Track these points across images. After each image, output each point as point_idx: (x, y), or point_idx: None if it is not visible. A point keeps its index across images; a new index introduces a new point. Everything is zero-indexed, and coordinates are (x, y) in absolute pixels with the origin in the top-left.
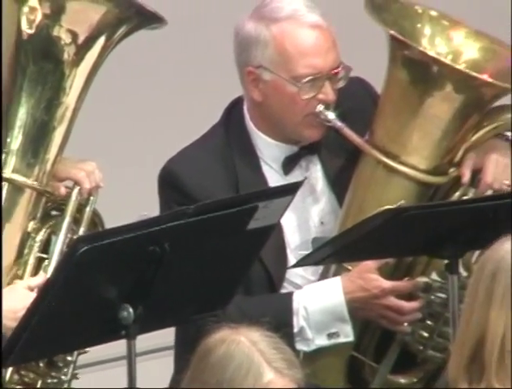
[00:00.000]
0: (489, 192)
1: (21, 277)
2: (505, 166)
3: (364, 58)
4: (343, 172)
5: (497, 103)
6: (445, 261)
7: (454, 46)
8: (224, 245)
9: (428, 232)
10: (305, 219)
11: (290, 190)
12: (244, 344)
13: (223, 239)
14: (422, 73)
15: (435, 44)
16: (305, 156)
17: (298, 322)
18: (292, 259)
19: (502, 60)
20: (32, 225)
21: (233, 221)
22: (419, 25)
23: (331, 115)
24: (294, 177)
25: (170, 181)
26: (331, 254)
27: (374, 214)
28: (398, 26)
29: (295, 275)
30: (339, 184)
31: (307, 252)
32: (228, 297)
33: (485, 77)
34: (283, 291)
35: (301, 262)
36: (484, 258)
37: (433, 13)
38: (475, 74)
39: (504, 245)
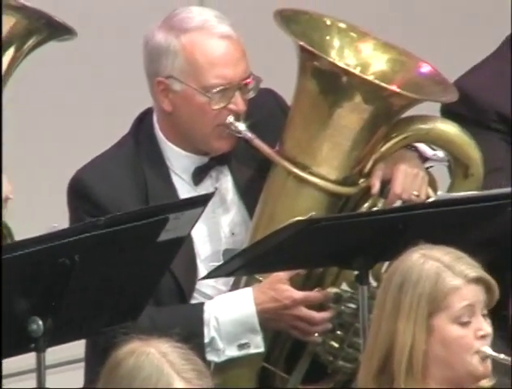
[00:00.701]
0: (398, 203)
1: None
2: (413, 177)
3: (273, 69)
4: (254, 182)
5: (406, 114)
6: (356, 272)
7: (363, 58)
8: (135, 257)
9: (338, 243)
10: (216, 229)
11: (201, 201)
12: (153, 356)
13: (134, 251)
14: (331, 84)
15: (344, 56)
16: (215, 166)
17: (209, 332)
18: (202, 270)
19: (410, 71)
20: None
21: (144, 233)
22: (328, 37)
23: (242, 126)
24: (204, 187)
25: (80, 192)
26: (242, 265)
27: (285, 225)
28: (308, 37)
29: (206, 285)
30: (249, 194)
31: (218, 263)
32: (138, 308)
33: (394, 88)
34: (194, 302)
35: (212, 274)
36: (392, 269)
37: (342, 25)
38: (383, 84)
39: (411, 257)
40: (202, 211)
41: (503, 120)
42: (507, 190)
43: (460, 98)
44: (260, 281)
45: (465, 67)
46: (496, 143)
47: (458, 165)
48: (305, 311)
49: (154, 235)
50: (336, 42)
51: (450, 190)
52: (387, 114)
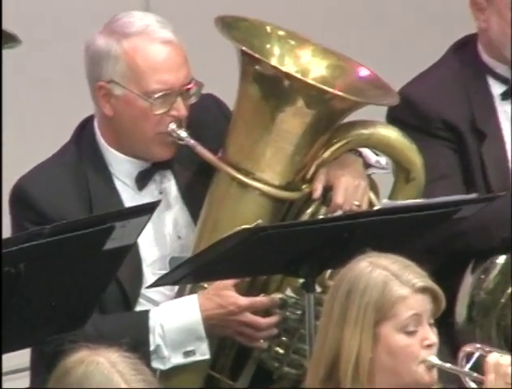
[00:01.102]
0: (340, 212)
1: None
2: (355, 187)
3: (215, 75)
4: (198, 187)
5: (347, 119)
6: (301, 279)
7: (303, 64)
8: (81, 266)
9: (285, 251)
10: (162, 234)
11: (147, 209)
12: (103, 365)
13: (80, 259)
14: (273, 88)
15: (284, 62)
16: (159, 171)
17: (154, 340)
18: (149, 275)
19: (350, 76)
20: None
21: (90, 241)
22: (268, 44)
23: (183, 133)
24: (148, 192)
25: (23, 200)
26: (189, 273)
27: (231, 233)
28: (248, 44)
29: (152, 290)
30: (193, 199)
31: (165, 270)
32: (85, 316)
33: (335, 91)
34: (140, 308)
35: (159, 282)
36: (339, 277)
37: (281, 32)
38: (326, 87)
39: (358, 265)
40: (149, 220)
41: (449, 128)
42: (452, 197)
43: (406, 106)
44: (205, 288)
45: (408, 74)
46: (441, 150)
47: (399, 170)
48: (250, 317)
49: (100, 243)
50: (276, 49)
51: (391, 194)
52: (329, 118)
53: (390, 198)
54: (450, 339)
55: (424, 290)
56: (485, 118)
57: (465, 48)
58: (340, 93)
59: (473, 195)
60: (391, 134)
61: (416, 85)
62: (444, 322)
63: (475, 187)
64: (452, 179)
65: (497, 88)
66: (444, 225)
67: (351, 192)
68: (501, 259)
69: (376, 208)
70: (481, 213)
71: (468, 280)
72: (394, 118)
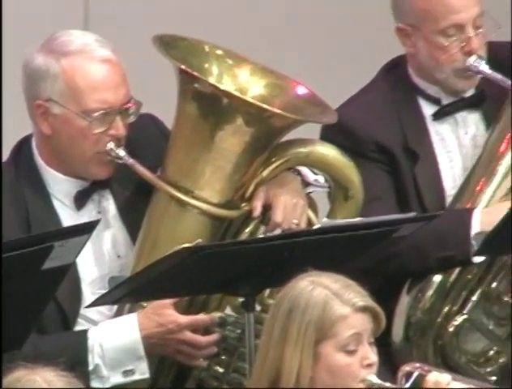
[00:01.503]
0: (278, 231)
1: None
2: (293, 206)
3: (154, 94)
4: (137, 205)
5: (286, 137)
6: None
7: (241, 83)
8: (19, 285)
9: (224, 270)
10: (101, 253)
11: (86, 229)
12: (39, 384)
13: (18, 279)
14: (212, 106)
15: (222, 81)
16: (97, 190)
17: (93, 359)
18: (88, 294)
19: (289, 94)
20: None
21: (29, 261)
22: (206, 63)
23: (122, 152)
24: (87, 211)
25: None
26: (128, 292)
27: (171, 253)
28: (187, 62)
29: (91, 310)
30: (132, 218)
31: (104, 290)
32: (23, 337)
33: (274, 109)
34: (79, 327)
35: (98, 302)
36: (280, 295)
37: (219, 51)
38: (264, 105)
39: (299, 284)
40: (88, 239)
41: (381, 150)
42: (392, 216)
43: (339, 129)
44: (144, 307)
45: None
46: (375, 172)
47: (338, 188)
48: (189, 335)
49: (38, 263)
50: (214, 68)
51: (330, 213)
52: (268, 137)
53: (328, 216)
54: (388, 359)
55: (364, 309)
56: (417, 139)
57: (395, 69)
58: (279, 111)
59: (412, 214)
60: (329, 152)
61: (349, 108)
62: (382, 342)
63: (410, 208)
64: (386, 201)
65: (428, 109)
66: (381, 245)
67: (289, 211)
68: (437, 279)
69: (315, 227)
70: (416, 233)
71: (404, 300)
72: (327, 141)
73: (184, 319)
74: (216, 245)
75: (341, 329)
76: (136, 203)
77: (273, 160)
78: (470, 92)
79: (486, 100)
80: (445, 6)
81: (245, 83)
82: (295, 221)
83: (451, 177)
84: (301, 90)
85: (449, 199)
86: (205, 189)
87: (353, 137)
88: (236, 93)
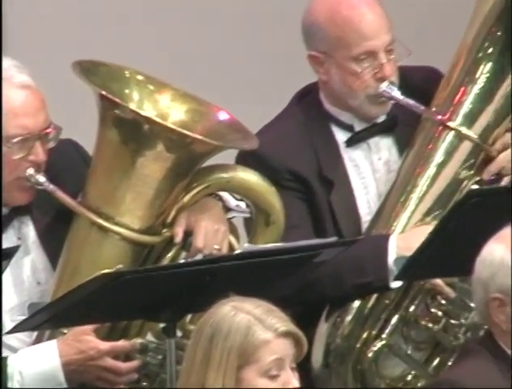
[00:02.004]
0: (200, 256)
1: None
2: (215, 232)
3: (74, 119)
4: (57, 231)
5: (207, 163)
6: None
7: (162, 108)
8: None
9: (145, 296)
10: (21, 280)
11: (5, 255)
12: None
13: None
14: (133, 132)
15: (143, 107)
16: (17, 216)
17: (13, 387)
18: (7, 321)
19: (210, 120)
20: None
21: None
22: (127, 89)
23: (42, 178)
24: (7, 237)
25: None
26: (48, 319)
27: (91, 278)
28: (107, 88)
29: (11, 337)
30: (52, 244)
31: (24, 317)
32: None
33: (195, 135)
34: None
35: (17, 328)
36: (202, 321)
37: (140, 77)
38: (185, 131)
39: (222, 309)
40: (7, 265)
41: (296, 178)
42: (313, 241)
43: (253, 158)
44: (64, 333)
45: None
46: (291, 201)
47: (259, 213)
48: (110, 362)
49: None
50: (135, 93)
51: (252, 238)
52: (189, 162)
53: (250, 241)
54: (309, 385)
55: (286, 335)
56: (331, 166)
57: (308, 97)
58: (200, 137)
59: (333, 239)
60: (251, 177)
61: (262, 137)
62: (303, 367)
63: (327, 236)
64: (303, 229)
65: (341, 136)
66: (301, 271)
67: (211, 236)
68: (355, 304)
69: (236, 252)
70: (334, 260)
71: (323, 327)
72: None
73: (104, 346)
74: (137, 271)
75: (263, 354)
76: (57, 229)
77: (194, 185)
78: (382, 118)
79: (398, 125)
80: (357, 33)
81: (167, 109)
82: (216, 247)
83: (366, 203)
84: (223, 116)
85: (364, 226)
86: (126, 215)
87: (267, 166)
88: (157, 119)
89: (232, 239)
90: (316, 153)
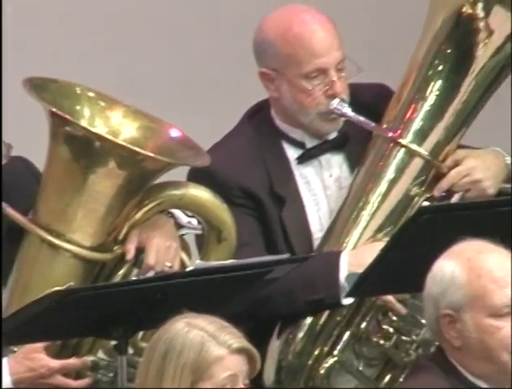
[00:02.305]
0: (152, 273)
1: None
2: (166, 249)
3: (25, 136)
4: (7, 249)
5: (159, 180)
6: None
7: (113, 125)
8: None
9: (97, 313)
10: None
11: None
12: None
13: None
14: (84, 149)
15: (94, 124)
16: None
17: None
18: None
19: (162, 137)
20: None
21: None
22: (78, 105)
23: None
24: None
25: None
26: None
27: (42, 296)
28: (58, 105)
29: None
30: (3, 262)
31: None
32: None
33: (146, 152)
34: None
35: None
36: (155, 338)
37: (91, 93)
38: (137, 148)
39: (175, 325)
40: None
41: (247, 195)
42: (265, 258)
43: (204, 175)
44: (15, 351)
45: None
46: (242, 218)
47: (211, 230)
48: (61, 379)
49: None
50: (86, 110)
51: (204, 255)
52: (141, 179)
53: (202, 258)
54: None
55: (240, 351)
56: (283, 183)
57: (258, 114)
58: (151, 154)
59: (285, 255)
60: (203, 194)
61: (213, 154)
62: (255, 384)
63: (278, 253)
64: (254, 246)
65: (292, 153)
66: (253, 288)
67: (162, 253)
68: (307, 321)
69: (188, 269)
70: (286, 277)
71: (275, 344)
72: None
73: (55, 363)
74: (88, 288)
75: (217, 370)
76: (7, 247)
77: (146, 202)
78: (333, 135)
79: (349, 142)
80: (308, 51)
81: (118, 126)
82: (168, 264)
83: (317, 220)
84: (175, 133)
85: (316, 242)
86: (77, 232)
87: (218, 183)
88: (109, 136)
89: (184, 256)
90: (267, 170)
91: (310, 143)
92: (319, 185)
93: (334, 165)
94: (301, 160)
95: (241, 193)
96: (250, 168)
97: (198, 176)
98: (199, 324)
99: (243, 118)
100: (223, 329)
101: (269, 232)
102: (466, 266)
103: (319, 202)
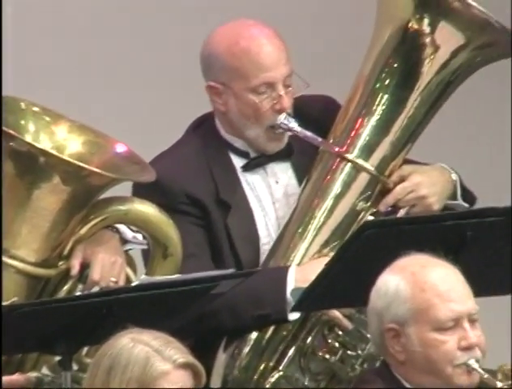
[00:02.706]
0: (96, 288)
1: None
2: (111, 264)
3: None
4: None
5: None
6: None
7: (58, 140)
8: None
9: (41, 328)
10: None
11: None
12: None
13: None
14: (29, 165)
15: (39, 139)
16: None
17: None
18: None
19: (107, 152)
20: None
21: None
22: (22, 120)
23: None
24: None
25: None
26: None
27: None
28: (3, 120)
29: None
30: None
31: None
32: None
33: (92, 167)
34: None
35: None
36: (100, 353)
37: (36, 108)
38: (82, 164)
39: (119, 341)
40: None
41: (193, 202)
42: (210, 273)
43: (149, 184)
44: None
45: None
46: (188, 228)
47: (157, 245)
48: None
49: None
50: (31, 125)
51: (149, 270)
52: (86, 195)
53: (147, 273)
54: None
55: (185, 366)
56: (229, 190)
57: (204, 125)
58: (96, 170)
59: (230, 270)
60: (148, 210)
61: (158, 162)
62: None
63: (224, 262)
64: (200, 257)
65: (238, 161)
66: (199, 303)
67: (107, 268)
68: (253, 336)
69: (133, 284)
70: (232, 292)
71: (221, 358)
72: (140, 198)
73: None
74: (32, 304)
75: (162, 386)
76: None
77: (91, 217)
78: None
79: (294, 153)
80: (255, 65)
81: (63, 141)
82: (113, 279)
83: (264, 226)
84: (120, 148)
85: (263, 248)
86: (22, 248)
87: (164, 190)
88: (53, 151)
89: (129, 271)
90: (213, 177)
91: (254, 153)
92: (266, 192)
93: (280, 172)
94: (247, 168)
95: (187, 200)
96: (196, 176)
97: (143, 184)
98: (144, 339)
99: (188, 130)
100: (168, 344)
101: (215, 239)
102: (410, 280)
103: (266, 208)
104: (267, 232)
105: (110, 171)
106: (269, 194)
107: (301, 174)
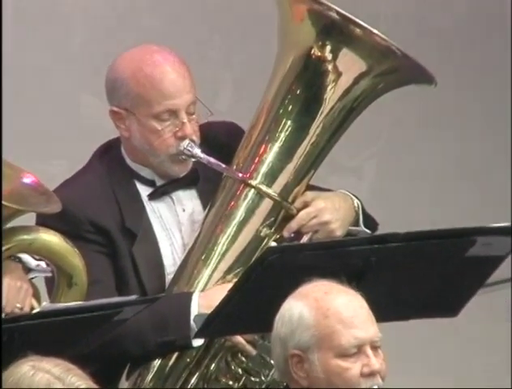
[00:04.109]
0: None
1: None
2: (17, 290)
3: None
4: None
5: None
6: None
7: None
8: None
9: None
10: None
11: None
12: None
13: None
14: None
15: None
16: None
17: None
18: None
19: (14, 182)
20: None
21: None
22: None
23: None
24: None
25: None
26: None
27: None
28: None
29: None
30: None
31: None
32: None
33: None
34: None
35: None
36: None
37: None
38: None
39: (20, 368)
40: None
41: (98, 230)
42: (113, 299)
43: (53, 213)
44: None
45: None
46: (93, 255)
47: (62, 274)
48: None
49: None
50: None
51: (54, 299)
52: None
53: (52, 302)
54: None
55: None
56: (134, 218)
57: (110, 153)
58: (2, 202)
59: (133, 297)
60: (53, 239)
61: (63, 190)
62: None
63: (129, 290)
64: (105, 284)
65: (144, 190)
66: (102, 329)
67: (12, 295)
68: (156, 363)
69: (35, 311)
70: (136, 318)
71: (124, 386)
72: (44, 226)
73: None
74: None
75: None
76: None
77: None
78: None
79: (200, 180)
80: (159, 92)
81: None
82: (18, 305)
83: (170, 255)
84: (27, 179)
85: (169, 277)
86: None
87: (69, 218)
88: None
89: (33, 300)
90: (119, 205)
91: (160, 181)
92: (172, 220)
93: (186, 200)
94: (153, 196)
95: (92, 228)
96: (101, 204)
97: (47, 214)
98: (45, 367)
99: (93, 157)
100: (69, 371)
101: (120, 268)
102: (313, 306)
103: (172, 236)
104: (173, 261)
105: (16, 202)
106: (176, 222)
107: (207, 201)
